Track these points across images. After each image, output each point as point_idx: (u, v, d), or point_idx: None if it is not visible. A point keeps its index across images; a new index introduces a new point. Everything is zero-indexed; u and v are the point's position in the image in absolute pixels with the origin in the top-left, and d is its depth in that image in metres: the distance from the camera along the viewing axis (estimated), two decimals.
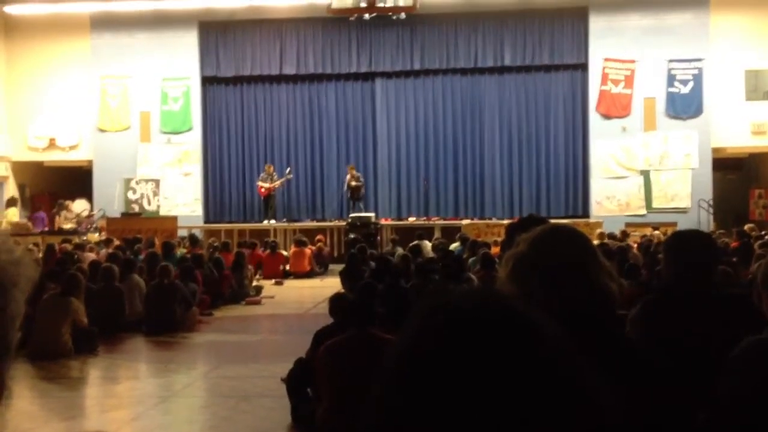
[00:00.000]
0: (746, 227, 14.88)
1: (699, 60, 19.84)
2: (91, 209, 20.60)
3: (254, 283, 14.67)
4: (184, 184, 21.11)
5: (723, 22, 19.73)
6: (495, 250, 11.53)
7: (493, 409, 0.82)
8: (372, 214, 19.43)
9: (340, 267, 13.36)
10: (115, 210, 20.43)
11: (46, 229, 19.30)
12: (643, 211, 19.79)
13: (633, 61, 20.04)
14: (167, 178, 21.10)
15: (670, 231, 11.86)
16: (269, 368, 7.99)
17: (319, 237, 18.44)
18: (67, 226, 19.32)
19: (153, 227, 18.21)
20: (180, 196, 21.05)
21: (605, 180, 20.09)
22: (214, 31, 21.32)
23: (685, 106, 19.89)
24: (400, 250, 13.70)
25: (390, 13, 19.10)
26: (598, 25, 20.18)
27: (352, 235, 17.49)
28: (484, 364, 0.83)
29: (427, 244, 14.64)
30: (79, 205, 20.56)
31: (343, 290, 9.00)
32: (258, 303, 13.43)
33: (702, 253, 3.19)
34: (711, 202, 19.42)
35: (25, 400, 7.32)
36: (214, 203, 21.71)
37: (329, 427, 5.28)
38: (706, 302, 3.10)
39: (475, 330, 0.86)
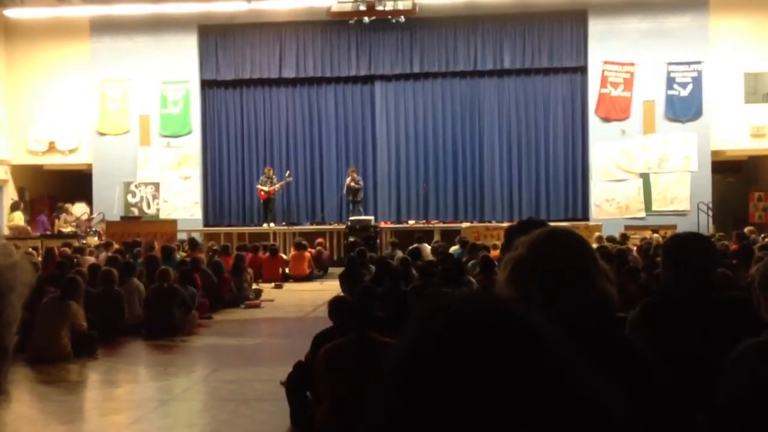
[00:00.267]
0: (746, 230, 14.88)
1: (698, 63, 19.85)
2: (91, 213, 20.60)
3: (254, 287, 14.66)
4: (183, 188, 21.11)
5: (722, 24, 19.75)
6: (494, 253, 11.48)
7: (493, 412, 0.82)
8: (371, 217, 19.44)
9: (339, 270, 13.37)
10: (115, 213, 20.43)
11: (47, 232, 19.29)
12: (643, 214, 19.78)
13: (632, 64, 20.05)
14: (167, 182, 21.10)
15: (669, 234, 11.83)
16: (269, 371, 7.99)
17: (318, 240, 18.46)
18: (67, 229, 19.32)
19: (152, 231, 18.19)
20: (179, 200, 21.05)
21: (605, 183, 20.09)
22: (213, 35, 21.33)
23: (684, 108, 19.90)
24: (399, 254, 13.68)
25: (389, 17, 19.14)
26: (597, 28, 20.20)
27: (351, 239, 17.51)
28: (483, 367, 0.83)
29: (427, 247, 14.62)
30: (79, 209, 20.55)
31: (342, 293, 8.98)
32: (257, 306, 13.43)
33: (701, 256, 3.19)
34: (710, 205, 19.40)
35: (24, 403, 7.31)
36: (214, 206, 21.70)
37: (329, 431, 5.28)
38: (705, 305, 3.10)
39: (475, 333, 0.86)
